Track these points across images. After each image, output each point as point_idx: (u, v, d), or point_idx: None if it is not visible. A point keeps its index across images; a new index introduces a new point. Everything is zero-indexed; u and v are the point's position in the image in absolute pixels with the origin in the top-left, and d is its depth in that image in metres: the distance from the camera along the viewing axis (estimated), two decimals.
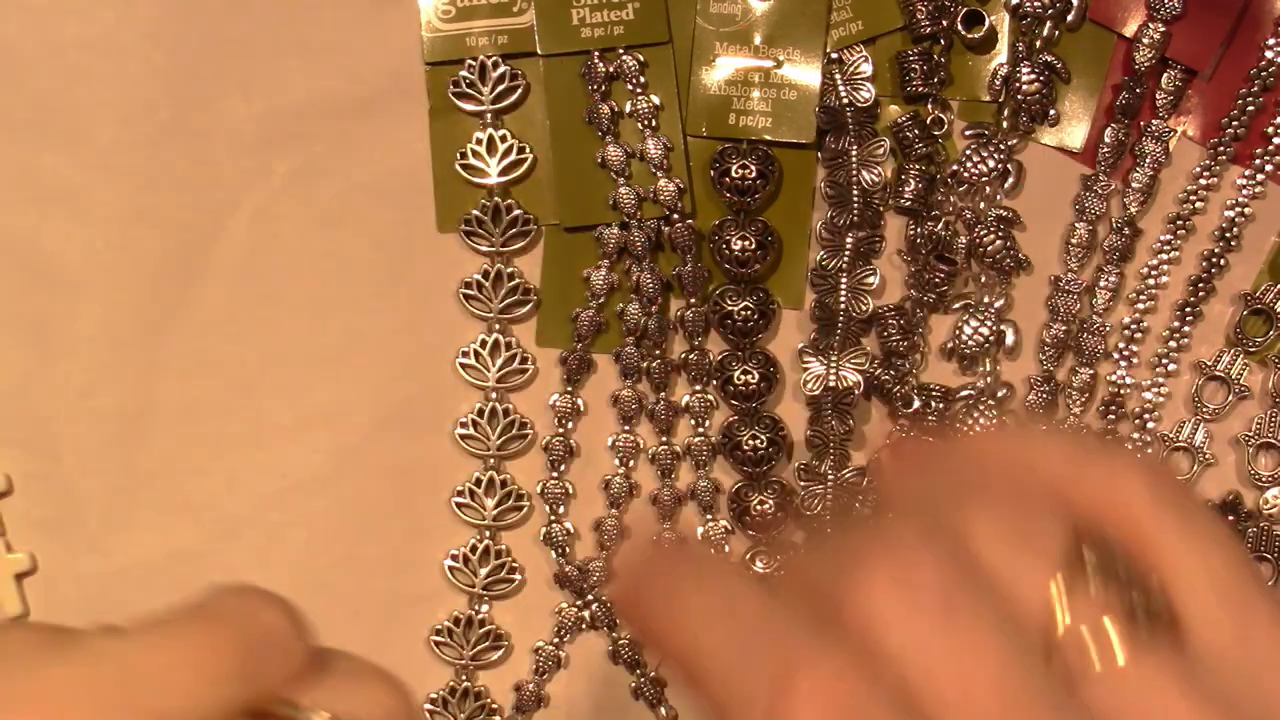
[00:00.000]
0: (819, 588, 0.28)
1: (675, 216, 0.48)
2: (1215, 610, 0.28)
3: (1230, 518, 0.48)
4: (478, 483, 0.49)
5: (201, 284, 0.48)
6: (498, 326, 0.48)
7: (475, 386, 0.49)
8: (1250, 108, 0.48)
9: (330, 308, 0.49)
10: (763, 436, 0.48)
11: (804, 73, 0.48)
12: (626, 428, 0.49)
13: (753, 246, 0.48)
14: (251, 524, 0.49)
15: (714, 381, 0.49)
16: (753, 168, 0.47)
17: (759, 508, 0.49)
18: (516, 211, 0.48)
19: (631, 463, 0.49)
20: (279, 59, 0.48)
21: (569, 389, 0.49)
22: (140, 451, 0.49)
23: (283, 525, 0.49)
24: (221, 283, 0.48)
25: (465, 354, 0.49)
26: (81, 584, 0.49)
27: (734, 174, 0.47)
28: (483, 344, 0.49)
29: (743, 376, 0.48)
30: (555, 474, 0.49)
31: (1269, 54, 0.48)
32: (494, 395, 0.49)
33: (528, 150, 0.48)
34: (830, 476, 0.48)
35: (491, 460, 0.49)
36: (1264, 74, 0.48)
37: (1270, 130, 0.48)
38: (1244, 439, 0.48)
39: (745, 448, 0.48)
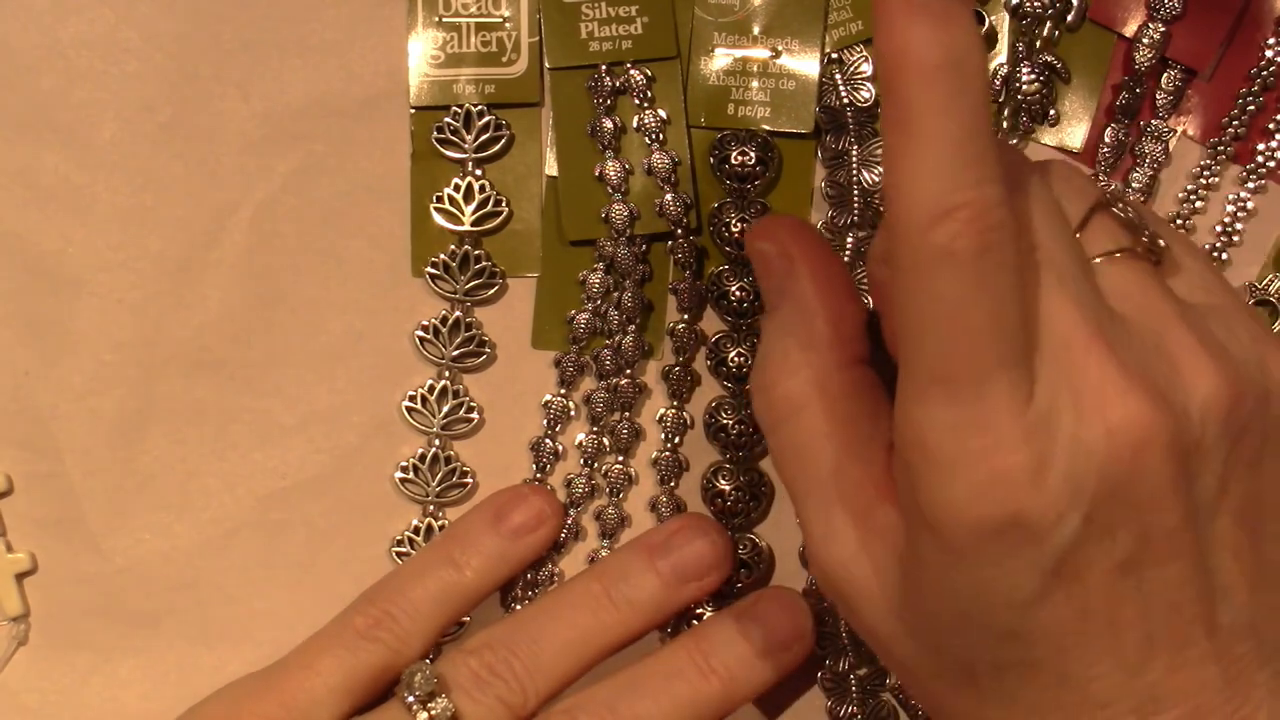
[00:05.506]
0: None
1: (680, 232, 0.48)
2: (1195, 273, 0.38)
3: None
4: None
5: (201, 284, 0.48)
6: (446, 373, 0.49)
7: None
8: (1250, 107, 0.48)
9: (330, 308, 0.49)
10: (749, 421, 0.48)
11: (803, 63, 0.48)
12: (595, 428, 0.49)
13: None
14: (251, 524, 0.49)
15: (708, 363, 0.49)
16: (752, 154, 0.47)
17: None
18: (485, 263, 0.48)
19: (595, 463, 0.49)
20: (279, 59, 0.48)
21: (563, 391, 0.49)
22: (140, 451, 0.49)
23: (283, 525, 0.49)
24: (221, 283, 0.48)
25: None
26: (81, 584, 0.49)
27: (733, 160, 0.47)
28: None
29: (737, 358, 0.48)
30: (539, 475, 0.49)
31: (1269, 53, 0.48)
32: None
33: (504, 204, 0.48)
34: None
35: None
36: (1264, 73, 0.48)
37: (1271, 127, 0.48)
38: None
39: (731, 431, 0.48)
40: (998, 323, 0.33)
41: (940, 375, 0.33)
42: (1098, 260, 0.37)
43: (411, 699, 0.44)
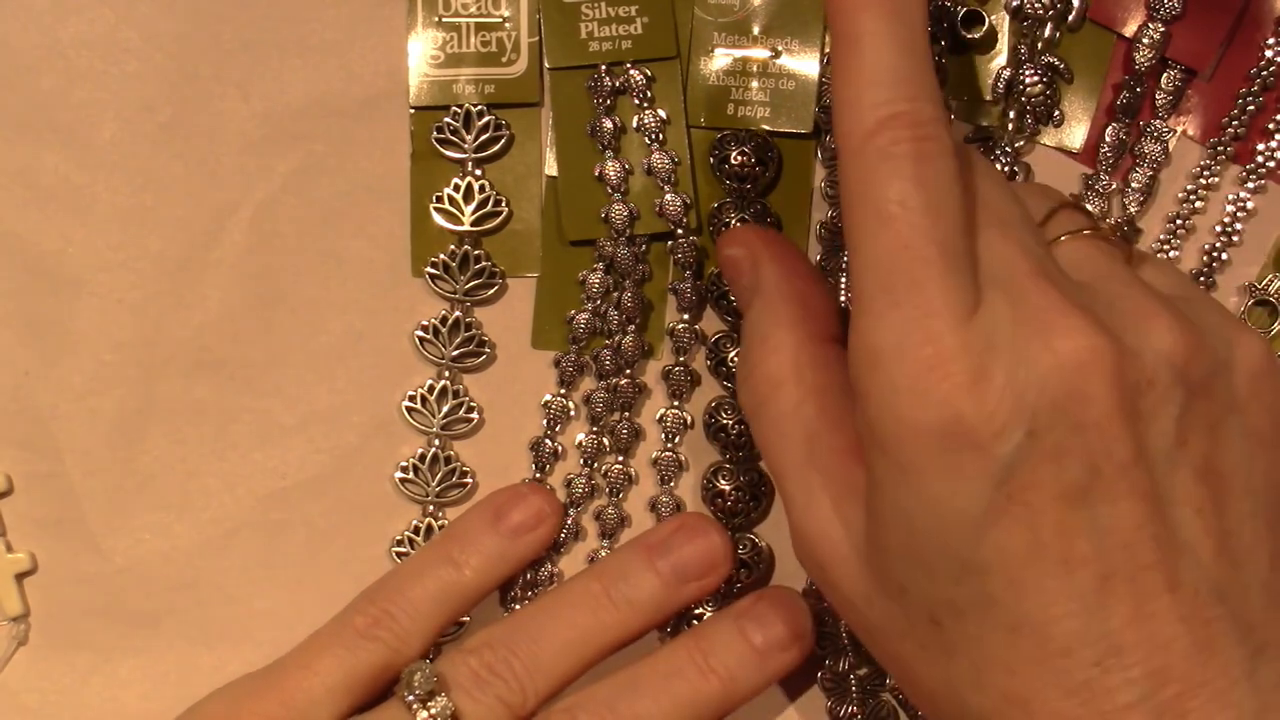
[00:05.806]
0: None
1: (680, 232, 0.48)
2: (1162, 269, 0.40)
3: None
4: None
5: (201, 284, 0.48)
6: (447, 374, 0.49)
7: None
8: (1250, 107, 0.48)
9: (330, 308, 0.49)
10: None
11: (803, 63, 0.48)
12: (594, 428, 0.49)
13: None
14: (251, 524, 0.49)
15: (708, 363, 0.49)
16: (751, 154, 0.47)
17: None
18: (485, 263, 0.48)
19: (595, 463, 0.49)
20: (279, 59, 0.48)
21: (563, 391, 0.49)
22: (140, 451, 0.49)
23: (283, 525, 0.49)
24: (221, 283, 0.48)
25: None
26: (81, 584, 0.49)
27: (733, 160, 0.47)
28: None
29: (737, 358, 0.48)
30: (539, 475, 0.49)
31: (1269, 53, 0.48)
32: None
33: (504, 204, 0.48)
34: None
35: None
36: (1264, 73, 0.48)
37: (1271, 127, 0.48)
38: None
39: (731, 431, 0.48)
40: (936, 223, 0.35)
41: (884, 281, 0.35)
42: (1062, 239, 0.38)
43: (411, 698, 0.44)
